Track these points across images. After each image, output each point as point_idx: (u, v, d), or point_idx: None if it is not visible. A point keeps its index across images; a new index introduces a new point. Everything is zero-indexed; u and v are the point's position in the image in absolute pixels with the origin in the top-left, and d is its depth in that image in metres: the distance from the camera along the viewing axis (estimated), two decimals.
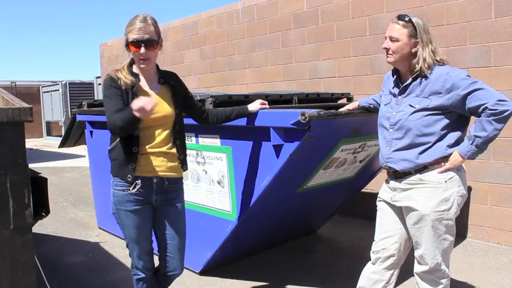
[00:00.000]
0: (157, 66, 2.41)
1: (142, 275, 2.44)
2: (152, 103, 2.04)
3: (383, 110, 2.41)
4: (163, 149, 2.31)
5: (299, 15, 5.62)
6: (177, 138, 2.38)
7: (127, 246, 2.44)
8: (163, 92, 2.36)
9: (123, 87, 2.24)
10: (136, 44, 2.22)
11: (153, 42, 2.25)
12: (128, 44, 2.25)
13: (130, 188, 2.26)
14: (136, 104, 2.02)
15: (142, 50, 2.22)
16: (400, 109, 2.28)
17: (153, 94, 2.32)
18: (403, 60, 2.26)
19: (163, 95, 2.35)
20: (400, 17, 2.24)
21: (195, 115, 2.62)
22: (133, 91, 2.25)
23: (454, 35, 4.29)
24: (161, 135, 2.29)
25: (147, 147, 2.27)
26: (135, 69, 2.34)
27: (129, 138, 2.24)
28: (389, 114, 2.33)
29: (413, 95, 2.25)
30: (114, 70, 2.33)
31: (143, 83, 2.32)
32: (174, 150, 2.35)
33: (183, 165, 2.43)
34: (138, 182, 2.26)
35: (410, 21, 2.21)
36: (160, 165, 2.31)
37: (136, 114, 2.04)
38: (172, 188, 2.38)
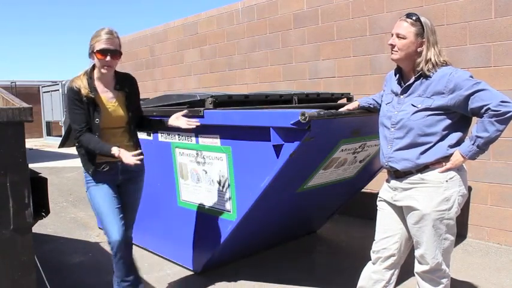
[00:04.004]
0: (115, 71, 2.76)
1: (119, 239, 2.64)
2: (135, 163, 2.53)
3: (384, 109, 2.41)
4: (123, 145, 2.70)
5: (299, 15, 5.62)
6: (134, 136, 2.83)
7: (100, 227, 2.72)
8: (119, 98, 2.75)
9: (83, 98, 2.59)
10: (104, 52, 2.58)
11: (117, 53, 2.64)
12: (95, 52, 2.59)
13: (100, 169, 2.69)
14: (124, 157, 2.53)
15: (108, 58, 2.59)
16: (402, 108, 2.28)
17: (109, 101, 2.70)
18: (407, 59, 2.26)
19: (118, 101, 2.74)
20: (409, 15, 2.24)
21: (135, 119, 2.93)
22: (94, 101, 2.63)
23: (454, 35, 4.29)
24: (118, 134, 2.74)
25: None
26: (96, 74, 2.66)
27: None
28: (390, 113, 2.33)
29: (415, 95, 2.25)
30: (74, 79, 2.64)
31: (101, 90, 2.69)
32: (131, 143, 2.79)
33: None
34: (105, 165, 2.69)
35: (418, 20, 2.22)
36: None
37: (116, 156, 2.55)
38: (136, 168, 2.75)
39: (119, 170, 2.74)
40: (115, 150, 2.54)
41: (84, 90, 2.59)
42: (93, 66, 2.69)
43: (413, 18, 2.23)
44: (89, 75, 2.67)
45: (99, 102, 2.64)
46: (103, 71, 2.63)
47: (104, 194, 2.70)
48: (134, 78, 2.89)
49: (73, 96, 2.61)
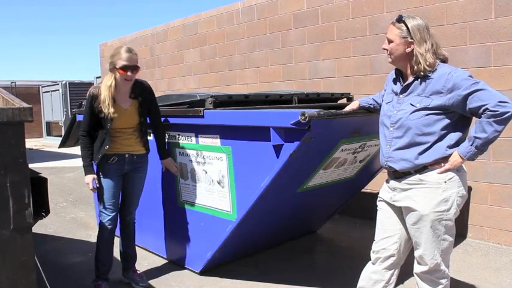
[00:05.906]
0: None
1: (112, 215, 3.16)
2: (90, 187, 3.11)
3: (385, 109, 2.41)
4: (131, 141, 3.16)
5: (299, 15, 5.62)
6: (143, 136, 3.22)
7: (100, 203, 3.16)
8: (132, 105, 3.12)
9: (101, 109, 2.99)
10: (125, 68, 2.96)
11: (137, 68, 3.03)
12: (117, 68, 2.95)
13: (110, 161, 3.10)
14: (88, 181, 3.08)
15: (129, 73, 2.98)
16: (401, 108, 2.28)
17: (124, 110, 3.09)
18: (400, 61, 2.29)
19: (132, 108, 3.12)
20: (396, 18, 2.27)
21: (150, 121, 3.34)
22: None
23: (454, 35, 4.29)
24: (127, 132, 3.12)
25: (118, 140, 3.10)
26: (115, 85, 3.01)
27: (102, 140, 3.08)
28: (390, 112, 2.34)
29: (414, 94, 2.25)
30: (101, 91, 2.99)
31: (119, 100, 3.06)
32: (138, 140, 3.19)
33: (146, 149, 3.28)
34: (114, 157, 3.10)
35: (402, 21, 2.23)
36: (129, 145, 3.16)
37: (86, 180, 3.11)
38: (140, 160, 3.24)
39: (125, 161, 3.14)
40: (87, 178, 3.07)
41: (106, 106, 2.96)
42: (112, 77, 3.01)
43: (398, 20, 2.25)
44: (112, 87, 3.00)
45: (115, 108, 3.00)
46: (124, 83, 3.03)
47: (110, 185, 3.13)
48: (149, 87, 3.23)
49: (91, 103, 3.02)
